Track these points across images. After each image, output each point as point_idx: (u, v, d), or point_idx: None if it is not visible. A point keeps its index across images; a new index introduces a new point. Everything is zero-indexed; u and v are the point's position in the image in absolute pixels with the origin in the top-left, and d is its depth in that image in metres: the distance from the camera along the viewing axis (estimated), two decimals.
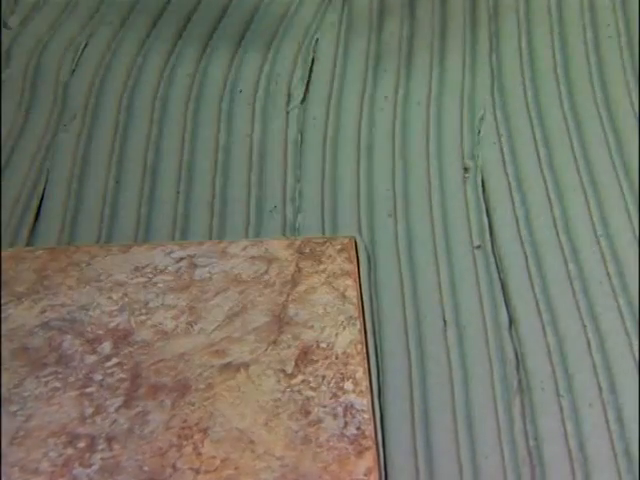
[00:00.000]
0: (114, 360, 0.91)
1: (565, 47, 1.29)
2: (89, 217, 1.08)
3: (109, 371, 0.90)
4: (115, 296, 0.97)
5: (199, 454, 0.85)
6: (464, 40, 1.31)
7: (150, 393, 0.89)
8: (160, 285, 0.98)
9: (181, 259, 1.01)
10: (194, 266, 1.01)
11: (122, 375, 0.90)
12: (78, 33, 1.28)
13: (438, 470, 0.89)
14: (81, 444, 0.85)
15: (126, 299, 0.96)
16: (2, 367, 0.90)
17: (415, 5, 1.35)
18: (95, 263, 0.99)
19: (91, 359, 0.91)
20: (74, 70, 1.23)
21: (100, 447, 0.85)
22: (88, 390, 0.89)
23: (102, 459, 0.84)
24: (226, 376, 0.91)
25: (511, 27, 1.32)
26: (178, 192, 1.11)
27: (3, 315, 0.94)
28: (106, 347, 0.92)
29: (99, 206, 1.09)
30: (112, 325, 0.94)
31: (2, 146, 1.14)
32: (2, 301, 0.95)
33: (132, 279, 0.98)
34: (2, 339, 0.92)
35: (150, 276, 0.99)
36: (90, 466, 0.83)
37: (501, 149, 1.17)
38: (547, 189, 1.12)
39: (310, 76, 1.26)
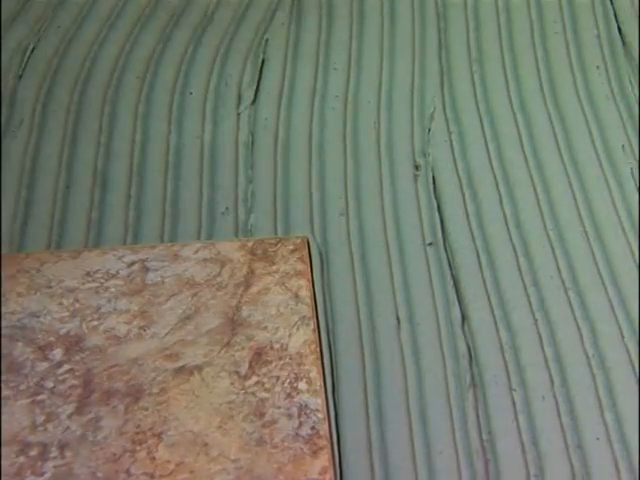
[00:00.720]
0: (66, 367, 0.91)
1: (513, 44, 1.30)
2: (39, 223, 1.07)
3: (61, 378, 0.90)
4: (66, 302, 0.96)
5: (153, 459, 0.84)
6: (413, 37, 1.31)
7: (103, 399, 0.89)
8: (112, 290, 0.98)
9: (133, 263, 1.01)
10: (146, 270, 1.00)
11: (74, 382, 0.90)
12: (25, 36, 1.27)
13: (393, 467, 0.89)
14: (33, 452, 0.84)
15: (77, 305, 0.96)
16: None
17: (364, 3, 1.35)
18: (45, 269, 0.99)
19: (42, 366, 0.90)
20: (21, 75, 1.22)
21: (52, 455, 0.84)
22: (40, 398, 0.88)
23: (55, 467, 0.83)
24: (180, 380, 0.91)
25: (459, 24, 1.32)
26: (129, 195, 1.11)
27: None
28: (57, 354, 0.92)
29: (49, 211, 1.08)
30: (63, 331, 0.94)
31: None
32: None
33: (83, 284, 0.98)
34: None
35: (102, 281, 0.98)
36: (42, 474, 0.83)
37: (451, 146, 1.18)
38: (497, 185, 1.13)
39: (260, 77, 1.26)
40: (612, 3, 1.32)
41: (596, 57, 1.27)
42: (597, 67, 1.25)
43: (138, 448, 0.85)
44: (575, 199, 1.10)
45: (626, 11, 1.31)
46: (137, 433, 0.86)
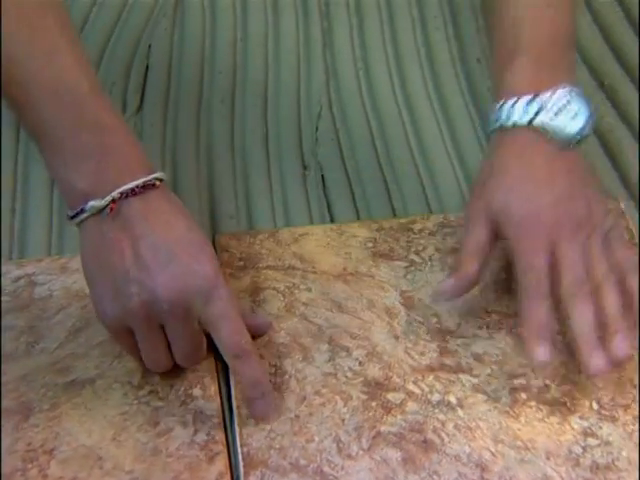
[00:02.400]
0: None
1: (395, 40, 1.32)
2: None
3: None
4: None
5: (45, 476, 0.83)
6: (298, 37, 1.32)
7: None
8: None
9: (19, 278, 0.99)
10: (33, 284, 0.99)
11: None
12: None
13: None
14: None
15: None
16: None
17: (247, 4, 1.35)
18: None
19: None
20: None
21: None
22: None
23: None
24: (71, 394, 0.89)
25: (343, 23, 1.34)
26: (14, 209, 1.09)
27: None
28: None
29: None
30: None
31: None
32: None
33: None
34: None
35: None
36: None
37: (339, 144, 1.19)
38: (386, 181, 1.14)
39: (145, 83, 1.25)
40: None
41: (476, 50, 1.29)
42: (478, 60, 1.28)
43: (29, 466, 0.83)
44: (463, 196, 1.12)
45: None
46: (28, 451, 0.85)
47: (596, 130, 1.18)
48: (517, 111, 0.91)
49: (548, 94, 0.90)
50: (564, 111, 0.90)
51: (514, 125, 0.91)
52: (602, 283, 0.87)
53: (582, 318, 0.86)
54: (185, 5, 1.35)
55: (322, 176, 1.15)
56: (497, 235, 0.91)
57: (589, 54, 1.28)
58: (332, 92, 1.25)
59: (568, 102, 0.91)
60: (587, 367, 0.85)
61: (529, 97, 0.91)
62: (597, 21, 1.33)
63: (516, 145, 0.92)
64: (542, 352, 0.85)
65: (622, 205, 1.07)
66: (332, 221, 1.09)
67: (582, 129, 0.91)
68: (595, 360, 0.85)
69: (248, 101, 1.24)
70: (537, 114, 0.90)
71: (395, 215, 1.09)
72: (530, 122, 0.90)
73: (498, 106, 0.93)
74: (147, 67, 1.27)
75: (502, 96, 0.93)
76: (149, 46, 1.29)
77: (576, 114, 0.91)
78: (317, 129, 1.20)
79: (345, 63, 1.29)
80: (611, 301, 0.87)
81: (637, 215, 1.08)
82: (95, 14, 1.33)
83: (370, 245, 1.03)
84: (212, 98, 1.24)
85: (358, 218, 1.09)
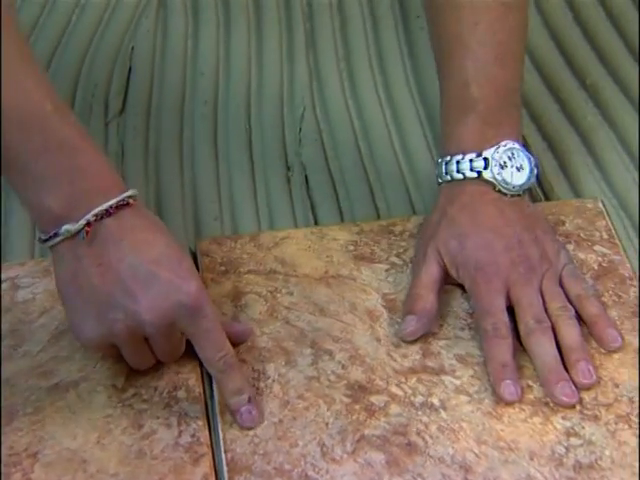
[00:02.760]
0: None
1: (379, 41, 1.32)
2: None
3: None
4: None
5: None
6: (280, 39, 1.32)
7: None
8: None
9: (2, 282, 0.99)
10: (16, 287, 0.99)
11: None
12: None
13: None
14: None
15: None
16: None
17: (229, 5, 1.35)
18: None
19: None
20: None
21: None
22: None
23: None
24: (55, 397, 0.89)
25: (325, 24, 1.34)
26: None
27: None
28: None
29: None
30: None
31: None
32: None
33: None
34: None
35: None
36: None
37: (323, 145, 1.19)
38: (369, 182, 1.14)
39: (128, 85, 1.25)
40: None
41: None
42: None
43: (13, 470, 0.83)
44: None
45: None
46: (11, 455, 0.84)
47: (578, 129, 1.19)
48: (465, 166, 0.96)
49: (492, 150, 0.95)
50: (509, 164, 0.95)
51: (464, 178, 0.96)
52: (559, 318, 0.91)
53: (543, 350, 0.89)
54: (167, 6, 1.35)
55: (306, 177, 1.15)
56: (447, 278, 0.96)
57: (572, 54, 1.29)
58: (315, 93, 1.25)
59: (512, 156, 0.96)
60: (554, 396, 0.88)
61: (474, 154, 0.95)
62: (578, 20, 1.33)
63: (466, 195, 0.97)
64: (508, 392, 0.88)
65: (600, 204, 1.07)
66: (316, 222, 1.09)
67: (528, 179, 0.97)
68: (561, 389, 0.87)
69: (231, 102, 1.24)
70: (484, 169, 0.95)
71: (379, 216, 1.10)
72: (479, 175, 0.95)
73: (446, 160, 0.97)
74: (130, 69, 1.27)
75: (449, 151, 0.98)
76: (132, 48, 1.29)
77: (521, 166, 0.96)
78: (300, 130, 1.20)
79: (328, 64, 1.29)
80: (570, 334, 0.90)
81: (617, 213, 1.08)
82: (77, 16, 1.33)
83: (351, 248, 1.03)
84: (195, 99, 1.24)
85: (342, 219, 1.09)
